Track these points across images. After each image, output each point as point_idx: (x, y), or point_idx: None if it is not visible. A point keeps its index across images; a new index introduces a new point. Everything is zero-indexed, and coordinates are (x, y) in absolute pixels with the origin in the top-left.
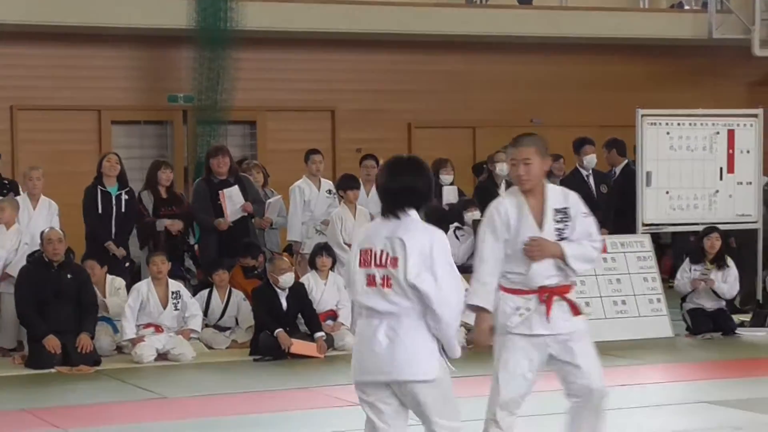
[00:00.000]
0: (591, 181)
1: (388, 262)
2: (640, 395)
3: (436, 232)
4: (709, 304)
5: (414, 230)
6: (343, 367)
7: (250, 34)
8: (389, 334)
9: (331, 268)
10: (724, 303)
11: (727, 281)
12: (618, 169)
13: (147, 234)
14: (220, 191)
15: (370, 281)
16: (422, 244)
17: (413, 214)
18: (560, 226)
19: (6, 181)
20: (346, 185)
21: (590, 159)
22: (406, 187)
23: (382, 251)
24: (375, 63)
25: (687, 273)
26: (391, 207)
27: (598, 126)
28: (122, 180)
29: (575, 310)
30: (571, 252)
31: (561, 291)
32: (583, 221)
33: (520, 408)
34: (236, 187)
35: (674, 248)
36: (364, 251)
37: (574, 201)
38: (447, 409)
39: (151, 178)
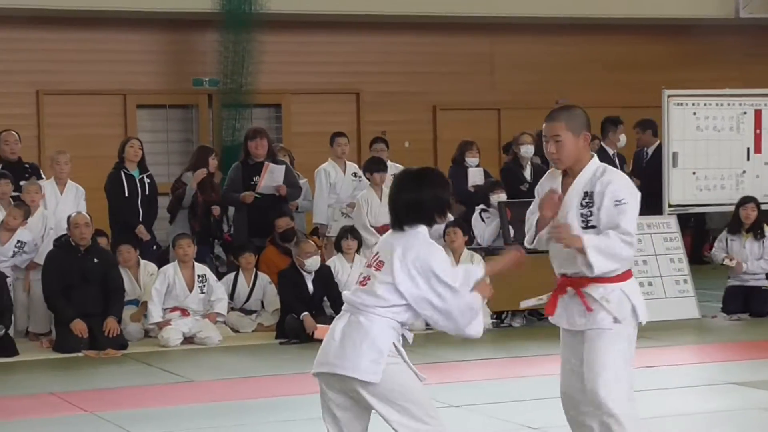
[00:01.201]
0: (617, 160)
1: (375, 264)
2: (667, 377)
3: (436, 249)
4: (751, 278)
5: (413, 243)
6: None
7: (274, 17)
8: (346, 329)
9: (357, 251)
10: (765, 276)
11: (764, 257)
12: (650, 150)
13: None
14: (266, 163)
15: (362, 281)
16: (416, 257)
17: (422, 229)
18: (585, 211)
19: (27, 165)
20: (372, 168)
21: (624, 139)
22: (410, 202)
23: (377, 254)
24: (400, 45)
25: (723, 243)
26: (397, 220)
27: (624, 107)
28: (143, 164)
29: (587, 306)
30: (593, 243)
31: (577, 283)
32: (612, 210)
33: (578, 408)
34: (284, 167)
35: (695, 229)
36: (371, 255)
37: (607, 185)
38: (408, 410)
39: (198, 161)
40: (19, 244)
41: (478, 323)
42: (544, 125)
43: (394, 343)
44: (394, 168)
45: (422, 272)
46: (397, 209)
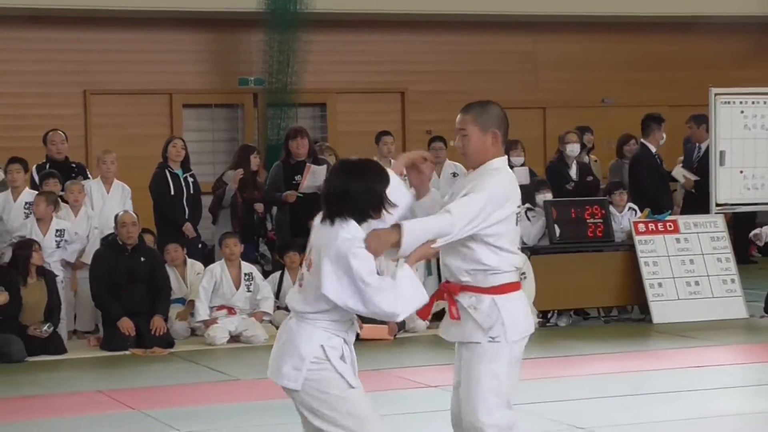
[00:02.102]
0: (657, 159)
1: (308, 263)
2: (714, 377)
3: (359, 245)
4: None
5: (335, 238)
6: (414, 349)
7: (319, 17)
8: (281, 333)
9: None
10: None
11: None
12: (704, 146)
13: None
14: (308, 164)
15: (299, 281)
16: (337, 253)
17: (351, 223)
18: None
19: (74, 165)
20: None
21: (664, 137)
22: (337, 192)
23: (310, 250)
24: (445, 44)
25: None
26: (327, 211)
27: (670, 105)
28: (186, 164)
29: (451, 313)
30: (409, 231)
31: (451, 289)
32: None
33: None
34: (325, 167)
35: (736, 228)
36: (307, 250)
37: (463, 179)
38: (334, 420)
39: (241, 160)
40: (58, 233)
41: (402, 303)
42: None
43: (323, 347)
44: (452, 166)
45: (346, 271)
46: (326, 199)
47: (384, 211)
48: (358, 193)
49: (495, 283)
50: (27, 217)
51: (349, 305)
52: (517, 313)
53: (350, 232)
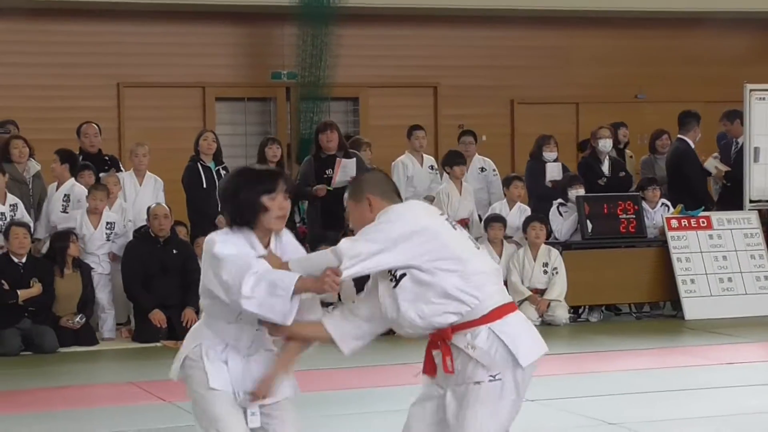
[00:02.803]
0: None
1: None
2: (746, 374)
3: (213, 238)
4: None
5: (213, 241)
6: None
7: (352, 11)
8: None
9: None
10: None
11: None
12: (741, 140)
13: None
14: (338, 158)
15: None
16: (207, 251)
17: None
18: None
19: (107, 157)
20: (452, 161)
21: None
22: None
23: None
24: (478, 39)
25: None
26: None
27: (704, 101)
28: (218, 156)
29: (446, 367)
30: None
31: (443, 335)
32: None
33: None
34: (355, 160)
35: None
36: None
37: None
38: (198, 416)
39: (261, 154)
40: (108, 225)
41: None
42: None
43: (200, 346)
44: (481, 161)
45: (209, 259)
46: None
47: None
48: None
49: (485, 311)
50: (64, 210)
51: (211, 289)
52: (522, 336)
53: (220, 237)
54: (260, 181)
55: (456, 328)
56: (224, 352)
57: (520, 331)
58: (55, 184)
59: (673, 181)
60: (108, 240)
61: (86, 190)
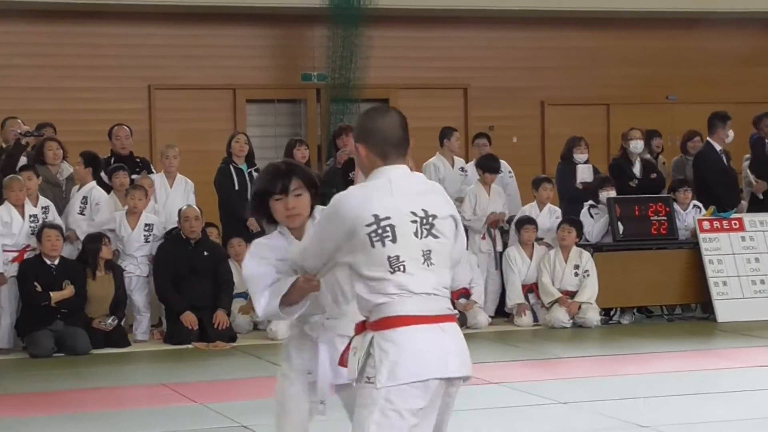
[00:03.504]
0: (723, 156)
1: None
2: None
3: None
4: None
5: None
6: (476, 346)
7: (383, 12)
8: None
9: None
10: None
11: None
12: None
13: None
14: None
15: None
16: None
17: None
18: None
19: (138, 159)
20: (487, 167)
21: (731, 135)
22: None
23: None
24: (508, 40)
25: None
26: None
27: (736, 102)
28: (250, 158)
29: (341, 359)
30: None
31: (357, 328)
32: None
33: None
34: None
35: None
36: None
37: None
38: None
39: (288, 156)
40: (147, 227)
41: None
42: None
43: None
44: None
45: None
46: None
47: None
48: None
49: (377, 317)
50: (81, 212)
51: None
52: (399, 355)
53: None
54: (266, 182)
55: (361, 326)
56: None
57: (401, 349)
58: (78, 185)
59: (696, 183)
60: (146, 241)
61: (104, 194)
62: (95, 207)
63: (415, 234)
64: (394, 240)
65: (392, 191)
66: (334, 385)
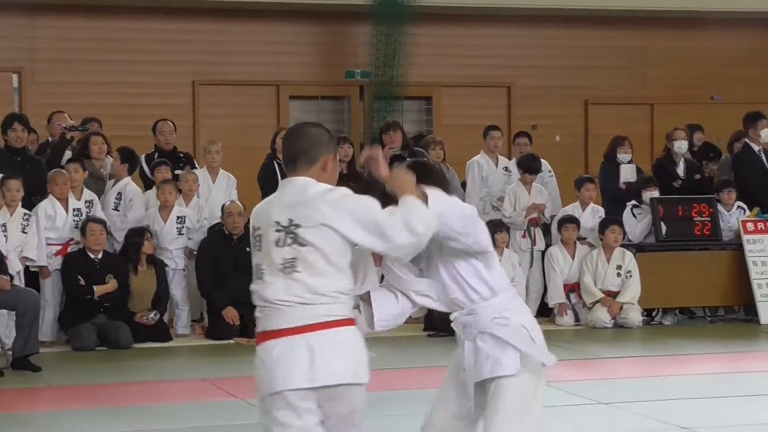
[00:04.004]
0: (763, 156)
1: None
2: None
3: None
4: None
5: None
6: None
7: (427, 10)
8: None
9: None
10: None
11: None
12: None
13: None
14: (403, 156)
15: None
16: None
17: None
18: None
19: (182, 155)
20: (528, 167)
21: (766, 133)
22: None
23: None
24: (552, 39)
25: None
26: None
27: None
28: None
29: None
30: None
31: None
32: None
33: None
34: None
35: None
36: None
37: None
38: None
39: None
40: (179, 220)
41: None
42: None
43: None
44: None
45: None
46: None
47: None
48: None
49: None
50: (115, 207)
51: None
52: (257, 370)
53: None
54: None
55: None
56: None
57: (259, 364)
58: (114, 181)
59: (735, 183)
60: (180, 234)
61: (138, 190)
62: (129, 203)
63: (276, 243)
64: (260, 249)
65: (272, 202)
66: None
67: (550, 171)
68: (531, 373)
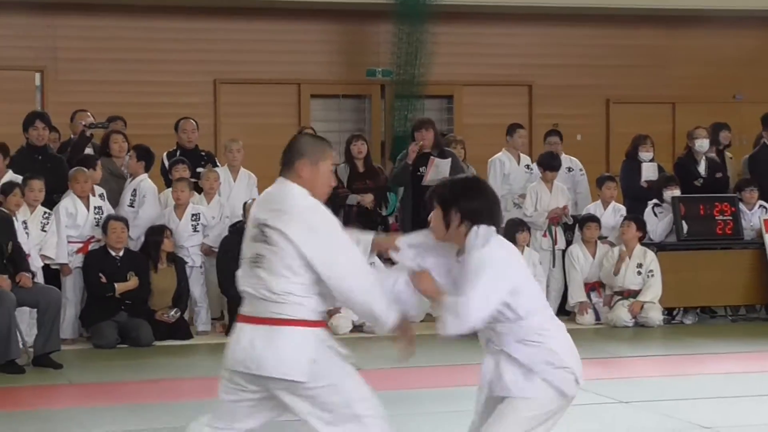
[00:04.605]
0: None
1: None
2: None
3: None
4: None
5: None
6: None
7: (448, 8)
8: None
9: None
10: None
11: None
12: None
13: (337, 207)
14: (431, 156)
15: None
16: None
17: None
18: None
19: (203, 153)
20: (547, 164)
21: None
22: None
23: None
24: (573, 37)
25: None
26: None
27: None
28: None
29: None
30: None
31: None
32: None
33: None
34: (450, 160)
35: None
36: None
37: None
38: None
39: (347, 152)
40: (194, 217)
41: None
42: None
43: None
44: (568, 161)
45: None
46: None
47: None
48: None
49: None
50: (131, 204)
51: None
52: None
53: None
54: None
55: None
56: None
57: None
58: (130, 178)
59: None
60: (195, 231)
61: (153, 187)
62: (142, 199)
63: (252, 238)
64: (245, 240)
65: (259, 199)
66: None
67: (581, 169)
68: (548, 399)
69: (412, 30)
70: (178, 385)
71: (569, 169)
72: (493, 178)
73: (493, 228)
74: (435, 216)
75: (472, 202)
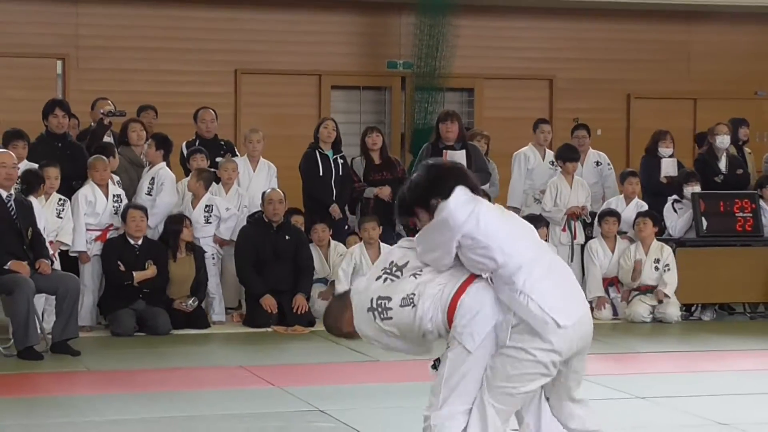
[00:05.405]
0: None
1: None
2: None
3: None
4: None
5: None
6: None
7: (470, 1)
8: None
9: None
10: None
11: None
12: None
13: (355, 199)
14: (445, 150)
15: None
16: None
17: None
18: None
19: (223, 143)
20: (566, 156)
21: None
22: None
23: None
24: (595, 32)
25: None
26: None
27: None
28: (337, 145)
29: None
30: None
31: None
32: None
33: None
34: (463, 152)
35: None
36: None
37: None
38: None
39: (362, 144)
40: (207, 208)
41: None
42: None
43: None
44: (596, 155)
45: None
46: None
47: None
48: None
49: None
50: (149, 192)
51: None
52: None
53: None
54: None
55: None
56: None
57: None
58: (149, 167)
59: None
60: (208, 223)
61: (171, 175)
62: (160, 186)
63: None
64: None
65: None
66: None
67: (609, 164)
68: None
69: (433, 22)
70: (196, 373)
71: (597, 163)
72: (518, 171)
73: (456, 192)
74: (421, 222)
75: (416, 191)
